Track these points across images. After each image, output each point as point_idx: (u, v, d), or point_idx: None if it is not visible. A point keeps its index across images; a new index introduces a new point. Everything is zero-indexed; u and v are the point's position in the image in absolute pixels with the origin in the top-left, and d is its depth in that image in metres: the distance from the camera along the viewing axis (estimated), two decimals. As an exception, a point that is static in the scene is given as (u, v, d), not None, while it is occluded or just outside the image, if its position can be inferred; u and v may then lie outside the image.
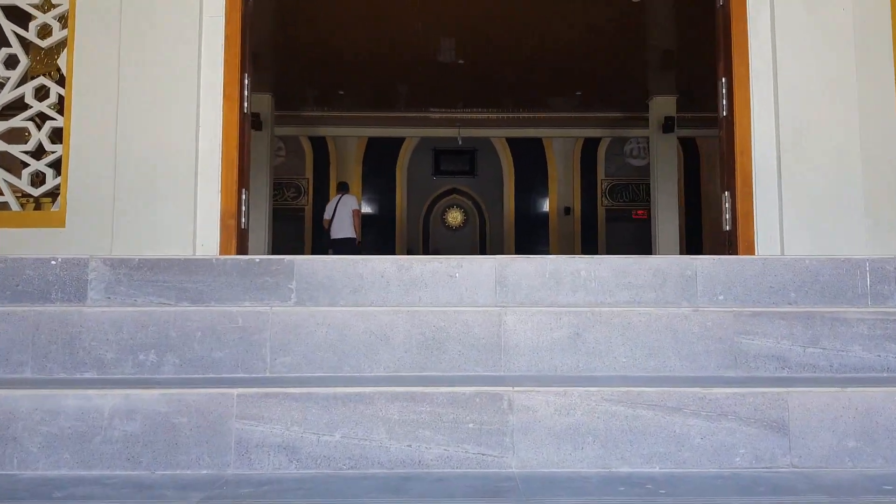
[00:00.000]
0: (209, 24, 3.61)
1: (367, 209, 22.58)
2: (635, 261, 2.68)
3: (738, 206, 3.58)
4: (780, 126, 3.52)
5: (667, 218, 12.31)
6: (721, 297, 2.75)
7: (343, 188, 10.00)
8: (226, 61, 3.61)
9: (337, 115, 14.05)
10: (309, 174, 22.75)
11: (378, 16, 9.27)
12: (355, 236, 9.50)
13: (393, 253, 22.43)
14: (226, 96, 3.61)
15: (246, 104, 3.73)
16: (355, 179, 22.51)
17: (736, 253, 3.57)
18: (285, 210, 22.86)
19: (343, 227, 9.59)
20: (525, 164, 22.58)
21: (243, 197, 3.69)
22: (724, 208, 3.74)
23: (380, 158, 22.35)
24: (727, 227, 3.71)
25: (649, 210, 22.55)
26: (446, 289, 2.83)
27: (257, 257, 2.67)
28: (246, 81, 3.72)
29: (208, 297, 2.71)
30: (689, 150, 20.31)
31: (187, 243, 3.50)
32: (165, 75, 3.51)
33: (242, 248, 3.69)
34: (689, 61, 11.02)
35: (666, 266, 2.67)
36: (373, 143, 21.09)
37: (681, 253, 12.67)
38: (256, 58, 11.47)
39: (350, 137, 18.75)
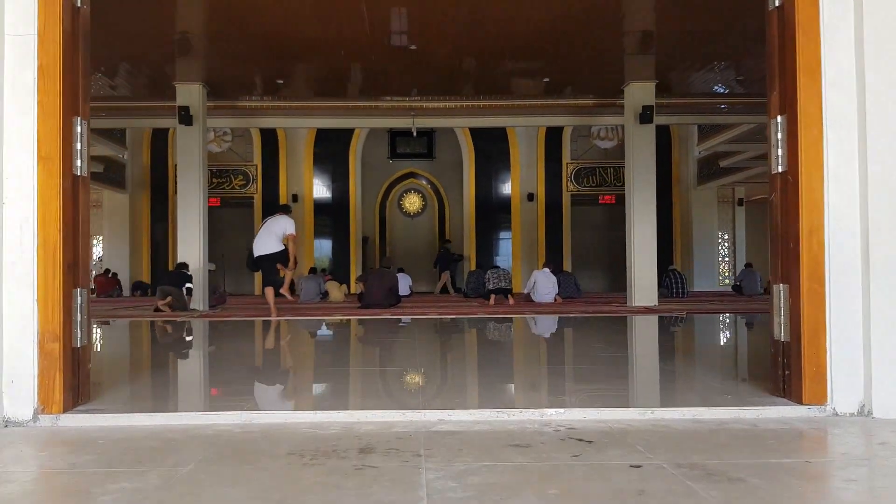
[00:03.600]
0: (14, 47, 2.35)
1: (320, 195, 21.30)
2: None
3: (804, 309, 2.46)
4: (871, 193, 2.39)
5: (643, 212, 11.21)
6: None
7: (282, 209, 8.84)
8: (41, 104, 2.36)
9: (279, 106, 12.67)
10: (257, 161, 21.37)
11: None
12: (276, 251, 8.34)
13: (347, 242, 21.23)
14: (42, 156, 2.36)
15: (80, 162, 2.49)
16: (306, 166, 21.19)
17: (800, 381, 2.47)
18: (234, 198, 21.52)
19: (263, 245, 8.41)
20: (486, 148, 21.42)
21: (78, 301, 2.47)
22: (776, 307, 2.62)
23: (331, 145, 21.03)
24: (782, 337, 2.59)
25: (616, 196, 21.68)
26: None
27: None
28: (79, 129, 2.48)
29: None
30: (661, 133, 19.35)
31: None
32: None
33: (76, 381, 2.47)
34: (671, 44, 9.93)
35: None
36: (323, 131, 19.79)
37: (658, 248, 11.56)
38: (183, 44, 10.20)
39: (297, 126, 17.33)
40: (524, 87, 12.18)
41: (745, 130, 14.68)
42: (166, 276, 10.65)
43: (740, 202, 23.93)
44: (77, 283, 2.47)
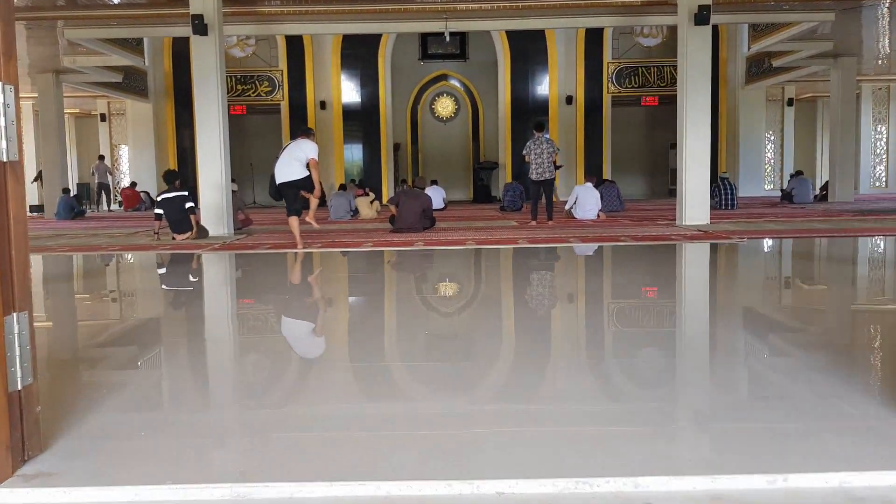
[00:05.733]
0: None
1: (349, 100, 20.43)
2: None
3: None
4: None
5: (697, 123, 10.21)
6: None
7: (303, 132, 8.05)
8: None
9: (302, 11, 11.73)
10: (283, 66, 20.47)
11: None
12: (300, 178, 7.70)
13: (378, 149, 20.49)
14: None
15: (5, 144, 1.86)
16: (334, 71, 20.25)
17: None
18: (260, 105, 20.83)
19: (286, 171, 7.75)
20: (522, 48, 20.21)
21: (14, 331, 1.89)
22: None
23: (359, 48, 19.98)
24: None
25: (660, 97, 20.48)
26: None
27: None
28: (1, 98, 1.83)
29: None
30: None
31: None
32: None
33: (19, 435, 1.92)
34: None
35: None
36: (350, 36, 18.68)
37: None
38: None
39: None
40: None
41: (805, 29, 13.41)
42: (167, 207, 9.12)
43: (790, 102, 22.51)
44: (11, 306, 1.88)
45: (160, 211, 9.17)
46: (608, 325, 4.00)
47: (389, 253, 7.54)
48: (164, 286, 6.12)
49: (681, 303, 4.66)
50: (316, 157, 7.74)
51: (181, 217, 9.09)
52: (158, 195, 9.43)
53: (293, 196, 7.96)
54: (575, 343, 3.56)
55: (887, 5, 12.31)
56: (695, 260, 6.87)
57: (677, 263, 6.71)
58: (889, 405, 2.31)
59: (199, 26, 10.05)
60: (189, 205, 9.14)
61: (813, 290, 5.25)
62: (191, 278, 6.46)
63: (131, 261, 7.53)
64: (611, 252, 7.38)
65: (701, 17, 9.97)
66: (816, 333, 3.76)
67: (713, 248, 7.50)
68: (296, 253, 7.58)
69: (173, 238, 9.10)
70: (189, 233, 9.10)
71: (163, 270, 6.89)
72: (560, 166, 15.47)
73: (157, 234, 9.28)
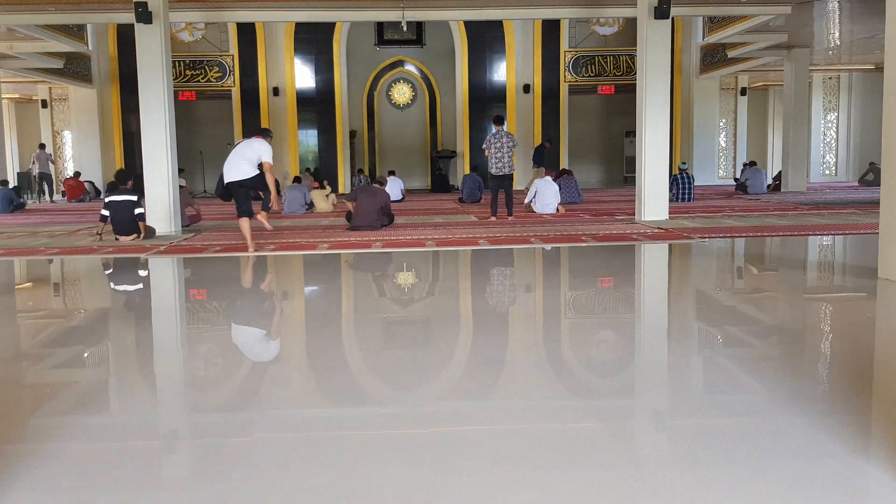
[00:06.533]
0: None
1: (303, 86, 19.94)
2: None
3: None
4: None
5: (656, 117, 10.07)
6: None
7: (260, 132, 7.70)
8: None
9: (250, -3, 11.32)
10: (234, 51, 19.89)
11: None
12: (249, 177, 7.39)
13: (334, 136, 20.08)
14: None
15: None
16: (287, 57, 19.76)
17: None
18: (210, 91, 20.25)
19: (235, 171, 7.41)
20: (480, 36, 19.97)
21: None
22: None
23: (314, 33, 19.52)
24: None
25: (616, 86, 20.45)
26: None
27: None
28: None
29: None
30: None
31: None
32: None
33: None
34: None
35: None
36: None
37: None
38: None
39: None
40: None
41: (761, 21, 13.44)
42: (113, 210, 8.56)
43: (743, 91, 22.69)
44: None
45: (106, 213, 8.69)
46: (584, 355, 3.84)
47: (346, 256, 7.28)
48: (98, 305, 5.77)
49: (658, 326, 4.55)
50: (270, 161, 7.41)
51: (127, 220, 8.61)
52: (106, 195, 8.93)
53: (243, 196, 7.63)
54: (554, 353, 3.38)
55: (838, -1, 12.42)
56: (659, 265, 6.81)
57: (642, 271, 6.63)
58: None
59: (143, 14, 9.56)
60: (139, 211, 8.65)
61: (764, 280, 5.19)
62: (131, 289, 6.14)
63: (67, 269, 7.12)
64: (574, 256, 7.24)
65: (661, 10, 9.85)
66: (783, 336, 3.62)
67: (675, 249, 7.43)
68: (247, 257, 7.27)
69: (116, 239, 8.65)
70: (134, 235, 8.67)
71: (100, 283, 6.54)
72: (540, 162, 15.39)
73: (100, 234, 8.85)
